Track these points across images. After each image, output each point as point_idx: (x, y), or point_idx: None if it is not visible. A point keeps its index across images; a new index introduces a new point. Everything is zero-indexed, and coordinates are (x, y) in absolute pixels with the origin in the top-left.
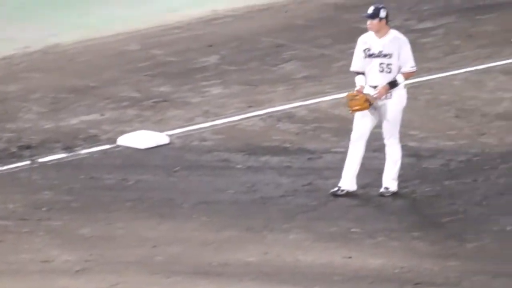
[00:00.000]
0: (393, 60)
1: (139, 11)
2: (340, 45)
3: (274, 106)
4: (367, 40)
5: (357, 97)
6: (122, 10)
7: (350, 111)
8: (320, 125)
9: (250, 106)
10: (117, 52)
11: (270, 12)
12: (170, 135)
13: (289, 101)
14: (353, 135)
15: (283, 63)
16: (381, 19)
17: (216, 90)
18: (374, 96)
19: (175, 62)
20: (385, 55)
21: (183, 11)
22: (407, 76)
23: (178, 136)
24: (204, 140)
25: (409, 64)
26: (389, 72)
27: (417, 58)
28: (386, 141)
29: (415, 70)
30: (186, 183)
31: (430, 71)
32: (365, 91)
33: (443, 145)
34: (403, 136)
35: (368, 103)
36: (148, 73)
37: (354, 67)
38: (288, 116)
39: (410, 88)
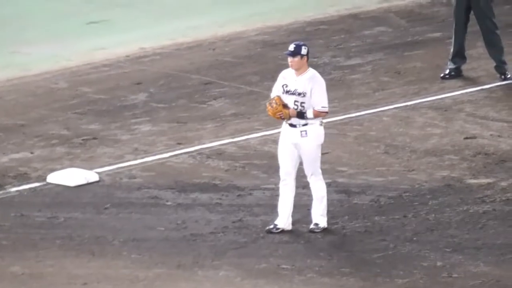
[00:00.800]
0: (306, 99)
1: (67, 49)
2: (268, 82)
3: (204, 143)
4: (286, 76)
5: (274, 104)
6: (50, 48)
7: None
8: (249, 162)
9: (179, 143)
10: (45, 90)
11: (198, 50)
12: (99, 173)
13: (218, 138)
14: (281, 174)
15: (211, 100)
16: (302, 56)
17: (145, 128)
18: (288, 110)
19: (104, 100)
20: (299, 94)
21: (111, 49)
22: (317, 114)
23: (108, 174)
24: (134, 177)
25: (321, 104)
26: (302, 109)
27: (345, 95)
28: (308, 179)
29: (326, 111)
30: (116, 221)
31: (359, 107)
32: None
33: (373, 181)
34: (332, 172)
35: (279, 115)
36: (77, 111)
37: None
38: (218, 153)
39: (338, 125)
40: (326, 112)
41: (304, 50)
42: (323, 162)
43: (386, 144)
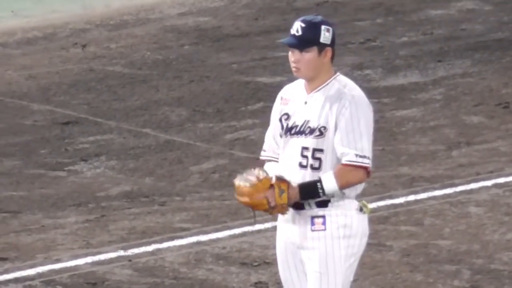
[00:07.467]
0: (327, 143)
1: None
2: None
3: None
4: (289, 97)
5: (257, 182)
6: None
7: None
8: None
9: None
10: None
11: None
12: None
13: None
14: None
15: None
16: (321, 47)
17: None
18: (287, 188)
19: None
20: (311, 131)
21: None
22: (350, 177)
23: None
24: None
25: (355, 150)
26: (318, 168)
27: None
28: None
29: (365, 165)
30: None
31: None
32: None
33: None
34: None
35: (268, 205)
36: None
37: (265, 151)
38: None
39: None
40: (366, 168)
41: (326, 34)
42: None
43: None
